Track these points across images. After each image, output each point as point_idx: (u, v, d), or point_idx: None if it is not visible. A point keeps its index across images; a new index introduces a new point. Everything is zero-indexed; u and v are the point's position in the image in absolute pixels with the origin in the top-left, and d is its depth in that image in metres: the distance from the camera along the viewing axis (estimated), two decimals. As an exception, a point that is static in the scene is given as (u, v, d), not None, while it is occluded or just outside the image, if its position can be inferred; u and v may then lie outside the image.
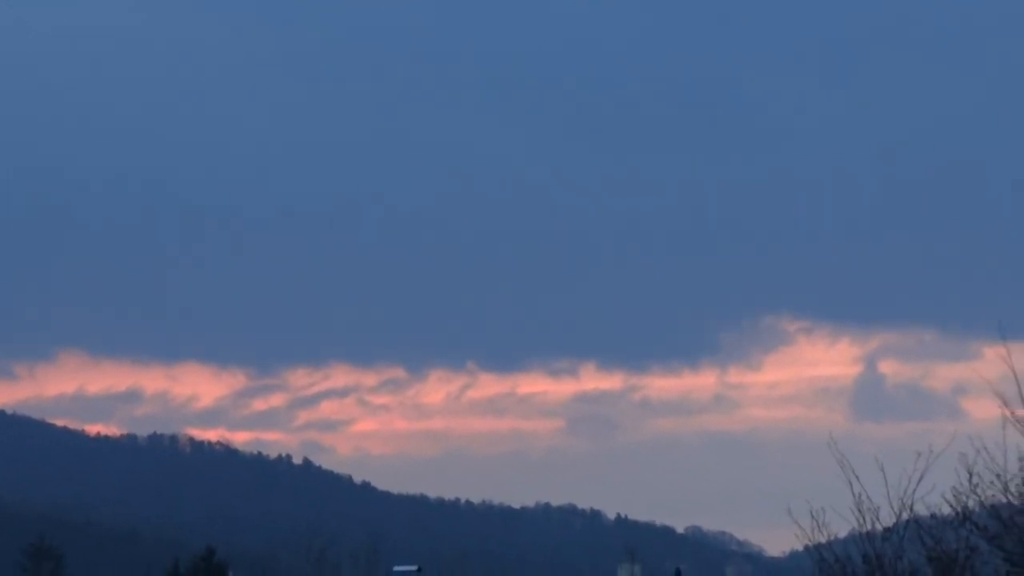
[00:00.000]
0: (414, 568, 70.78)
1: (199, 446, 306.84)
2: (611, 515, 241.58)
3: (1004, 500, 35.65)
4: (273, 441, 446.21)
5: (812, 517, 38.54)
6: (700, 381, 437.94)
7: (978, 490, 36.12)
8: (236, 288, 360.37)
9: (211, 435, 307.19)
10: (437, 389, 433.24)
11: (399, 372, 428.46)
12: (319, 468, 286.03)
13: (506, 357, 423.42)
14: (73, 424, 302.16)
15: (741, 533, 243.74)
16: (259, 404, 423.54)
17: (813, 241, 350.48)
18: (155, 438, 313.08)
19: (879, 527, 38.02)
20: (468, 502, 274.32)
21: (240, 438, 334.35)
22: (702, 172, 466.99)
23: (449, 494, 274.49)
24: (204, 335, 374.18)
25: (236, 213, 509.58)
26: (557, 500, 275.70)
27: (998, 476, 35.39)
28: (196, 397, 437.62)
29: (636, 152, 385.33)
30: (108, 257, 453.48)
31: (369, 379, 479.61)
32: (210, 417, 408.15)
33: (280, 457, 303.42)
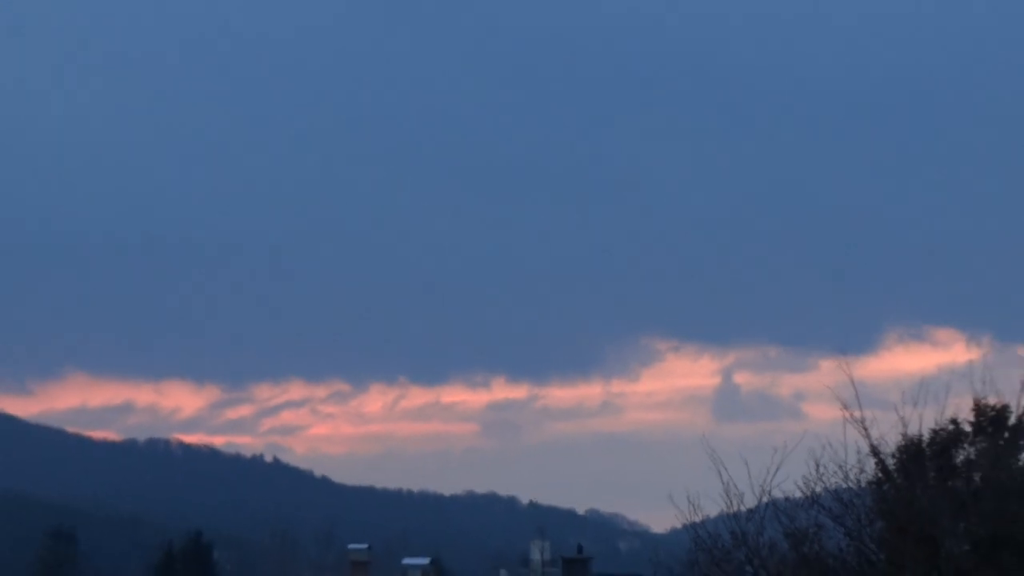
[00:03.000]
0: (426, 560, 68.71)
1: (186, 448, 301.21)
2: (524, 500, 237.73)
3: (844, 486, 35.28)
4: (244, 444, 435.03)
5: (688, 501, 36.84)
6: (590, 391, 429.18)
7: (823, 478, 35.24)
8: (209, 316, 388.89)
9: (194, 439, 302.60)
10: (376, 399, 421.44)
11: (344, 386, 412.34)
12: (285, 465, 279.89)
13: (431, 372, 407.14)
14: (81, 431, 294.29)
15: (631, 514, 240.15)
16: (231, 413, 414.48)
17: (678, 273, 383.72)
18: (151, 442, 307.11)
19: (743, 509, 36.68)
20: (408, 491, 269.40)
21: (218, 441, 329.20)
22: (585, 217, 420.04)
23: (391, 485, 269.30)
24: (184, 356, 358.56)
25: (201, 255, 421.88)
26: (479, 489, 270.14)
27: (840, 466, 34.69)
28: (180, 408, 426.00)
29: (530, 201, 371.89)
30: (103, 291, 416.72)
31: (320, 392, 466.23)
32: (192, 424, 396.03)
33: (253, 456, 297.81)
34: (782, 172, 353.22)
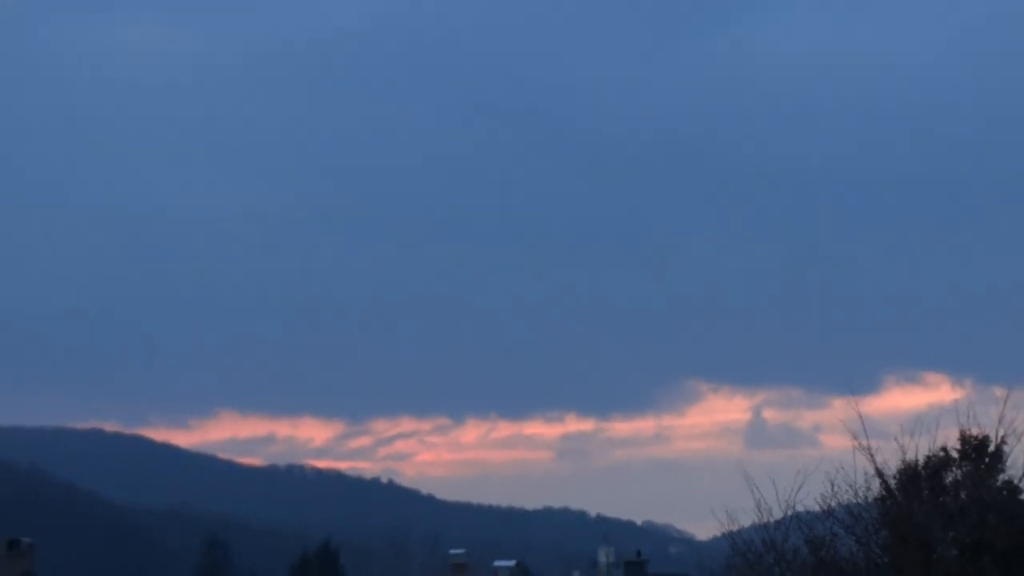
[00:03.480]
0: (512, 563, 68.38)
1: (318, 472, 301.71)
2: (592, 513, 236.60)
3: (855, 501, 35.82)
4: (364, 468, 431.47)
5: (726, 513, 37.72)
6: (645, 424, 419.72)
7: (837, 495, 35.83)
8: (334, 361, 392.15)
9: (323, 464, 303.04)
10: (471, 431, 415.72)
11: (445, 420, 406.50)
12: (398, 485, 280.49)
13: (516, 410, 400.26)
14: (232, 458, 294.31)
15: (680, 524, 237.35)
16: (353, 444, 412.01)
17: (715, 326, 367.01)
18: (288, 467, 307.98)
19: (772, 520, 37.15)
20: (498, 506, 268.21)
21: (343, 466, 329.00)
22: (635, 277, 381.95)
23: (484, 501, 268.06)
24: (315, 396, 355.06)
25: (326, 310, 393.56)
26: (555, 504, 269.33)
27: (850, 486, 35.45)
28: (312, 439, 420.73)
29: (590, 266, 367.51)
30: (248, 340, 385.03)
31: (425, 425, 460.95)
32: (322, 452, 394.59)
33: (371, 479, 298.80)
34: (798, 239, 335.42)
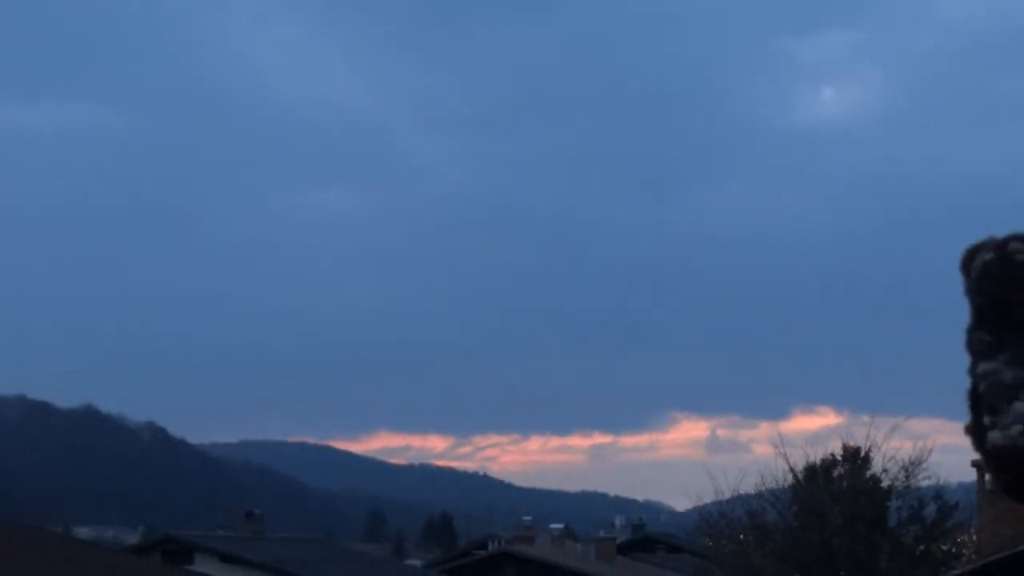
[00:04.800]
0: (562, 525, 65.98)
1: (439, 468, 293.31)
2: (611, 495, 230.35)
3: (777, 487, 35.15)
4: (468, 465, 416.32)
5: (696, 495, 38.08)
6: (643, 438, 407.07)
7: (766, 483, 35.57)
8: (448, 399, 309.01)
9: (442, 463, 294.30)
10: (535, 443, 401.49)
11: (517, 436, 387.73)
12: (490, 476, 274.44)
13: (562, 428, 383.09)
14: (385, 459, 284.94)
15: (667, 502, 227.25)
16: (460, 450, 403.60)
17: (684, 377, 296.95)
18: (421, 465, 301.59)
19: (724, 499, 36.36)
20: (551, 489, 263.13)
21: (454, 464, 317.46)
22: (629, 354, 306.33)
23: (543, 486, 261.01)
24: (436, 419, 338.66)
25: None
26: (588, 488, 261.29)
27: (773, 478, 34.95)
28: (435, 447, 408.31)
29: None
30: (392, 380, 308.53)
31: (504, 439, 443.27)
32: (441, 456, 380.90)
33: (473, 472, 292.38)
34: (736, 324, 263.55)
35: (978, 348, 1.95)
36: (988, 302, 2.01)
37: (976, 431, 1.89)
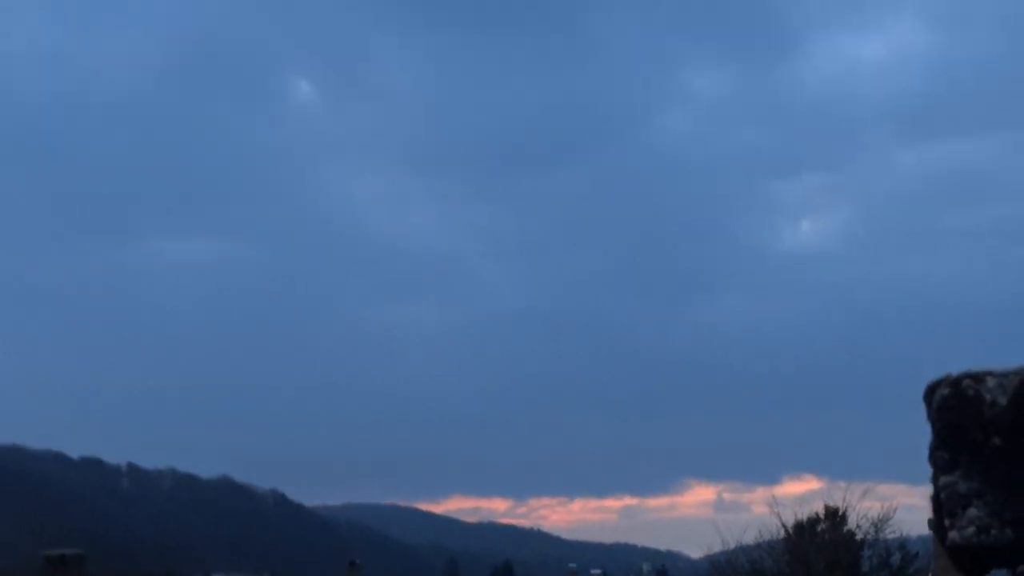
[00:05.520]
0: (600, 571, 63.95)
1: (502, 524, 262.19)
2: (639, 545, 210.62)
3: (772, 539, 30.37)
4: (524, 522, 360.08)
5: (707, 545, 32.63)
6: (663, 500, 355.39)
7: (763, 535, 31.28)
8: (509, 468, 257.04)
9: (504, 520, 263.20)
10: (578, 504, 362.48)
11: (564, 498, 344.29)
12: (543, 531, 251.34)
13: (600, 491, 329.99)
14: (459, 518, 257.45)
15: (684, 551, 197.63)
16: (518, 509, 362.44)
17: (694, 450, 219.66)
18: (489, 523, 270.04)
19: (729, 548, 31.71)
20: (593, 541, 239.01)
21: (513, 521, 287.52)
22: (651, 433, 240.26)
23: (586, 539, 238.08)
24: (499, 485, 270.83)
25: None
26: (621, 541, 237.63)
27: (769, 531, 30.63)
28: (498, 508, 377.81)
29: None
30: (461, 448, 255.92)
31: (554, 501, 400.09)
32: (503, 514, 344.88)
33: (528, 528, 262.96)
34: (742, 410, 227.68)
35: (939, 464, 1.92)
36: (946, 428, 1.99)
37: (939, 530, 1.86)
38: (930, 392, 1.95)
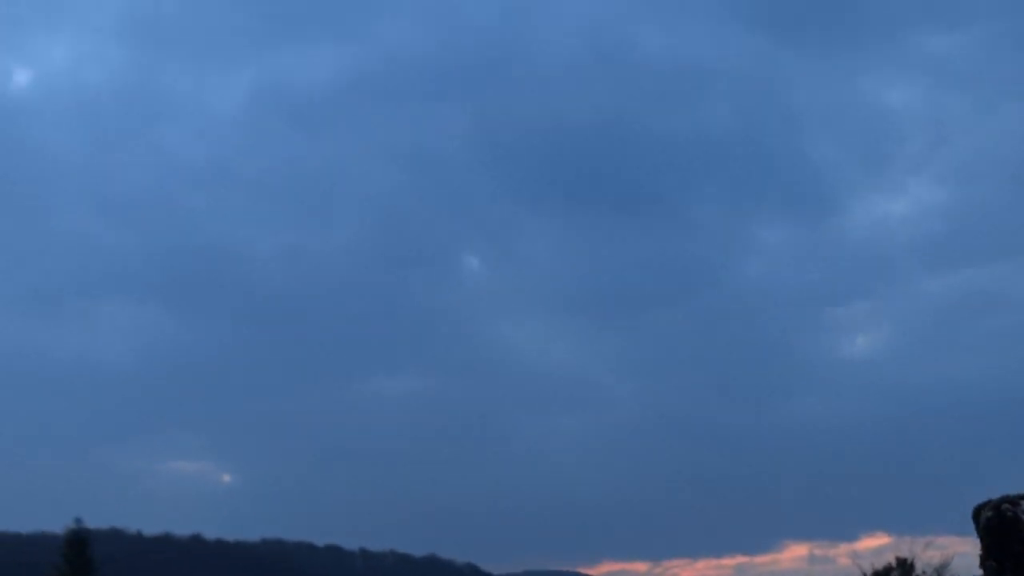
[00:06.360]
0: None
1: None
2: None
3: None
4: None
5: None
6: (765, 558, 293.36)
7: None
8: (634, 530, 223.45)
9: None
10: (703, 563, 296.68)
11: (687, 560, 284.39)
12: None
13: (717, 550, 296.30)
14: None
15: None
16: (656, 570, 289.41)
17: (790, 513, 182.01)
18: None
19: None
20: None
21: None
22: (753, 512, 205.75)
23: None
24: (614, 546, 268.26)
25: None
26: None
27: None
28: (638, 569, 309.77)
29: None
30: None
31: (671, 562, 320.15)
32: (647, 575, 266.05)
33: None
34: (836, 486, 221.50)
35: (988, 571, 4.82)
36: (992, 543, 4.80)
37: None
38: (976, 514, 4.61)
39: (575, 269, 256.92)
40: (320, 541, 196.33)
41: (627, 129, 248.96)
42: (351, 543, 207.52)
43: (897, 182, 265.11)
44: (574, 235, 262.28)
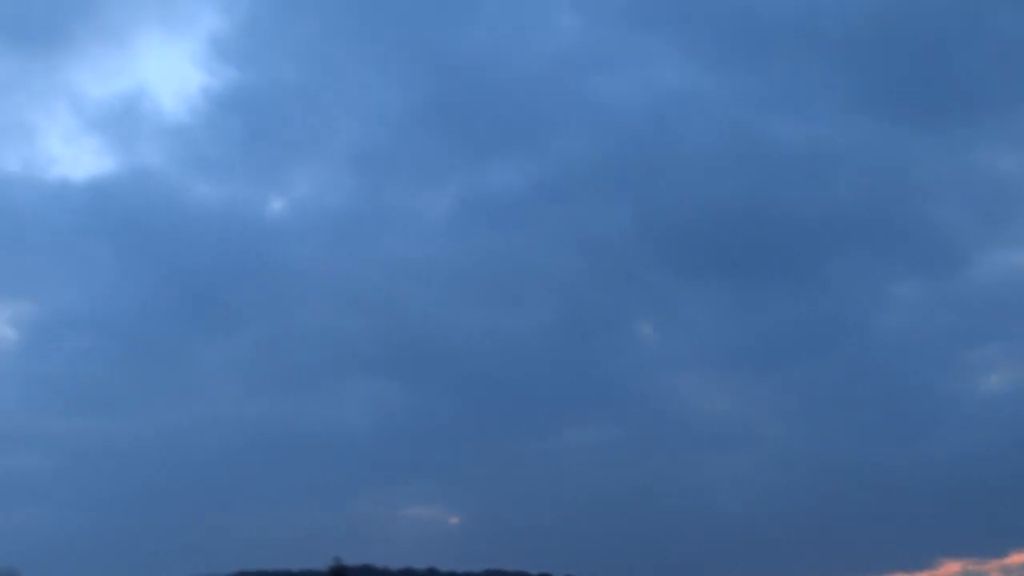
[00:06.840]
0: None
1: None
2: None
3: None
4: None
5: None
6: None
7: None
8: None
9: None
10: None
11: None
12: None
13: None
14: None
15: None
16: None
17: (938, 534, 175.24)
18: None
19: None
20: None
21: None
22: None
23: None
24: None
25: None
26: None
27: None
28: None
29: None
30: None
31: None
32: None
33: None
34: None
35: None
36: None
37: None
38: None
39: (732, 329, 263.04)
40: (534, 570, 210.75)
41: (768, 208, 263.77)
42: (558, 570, 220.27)
43: (1018, 236, 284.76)
44: (729, 300, 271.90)
